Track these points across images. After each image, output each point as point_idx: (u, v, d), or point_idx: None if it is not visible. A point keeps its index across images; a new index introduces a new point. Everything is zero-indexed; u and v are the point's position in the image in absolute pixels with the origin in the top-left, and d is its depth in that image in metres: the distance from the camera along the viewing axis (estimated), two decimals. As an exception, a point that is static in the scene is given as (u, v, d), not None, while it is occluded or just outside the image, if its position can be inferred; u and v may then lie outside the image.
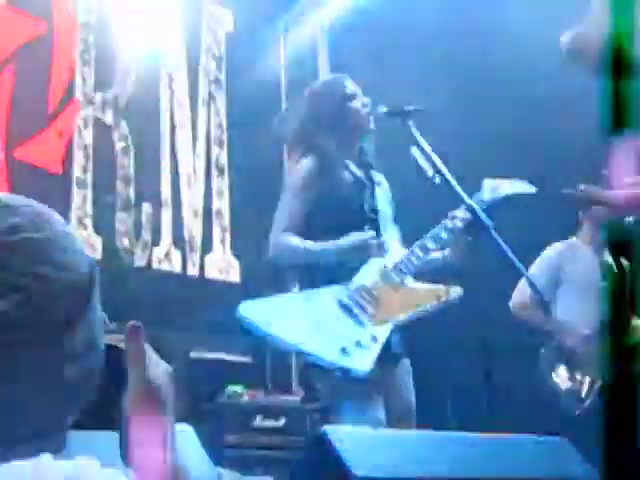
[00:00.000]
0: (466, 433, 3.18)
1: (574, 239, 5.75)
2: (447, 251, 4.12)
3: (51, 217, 1.23)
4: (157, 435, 1.21)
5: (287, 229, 4.03)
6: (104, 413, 1.26)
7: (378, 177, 4.27)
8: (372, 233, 3.94)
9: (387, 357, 3.88)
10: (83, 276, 1.18)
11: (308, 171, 4.07)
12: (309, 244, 3.96)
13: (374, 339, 3.76)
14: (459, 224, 3.99)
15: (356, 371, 3.68)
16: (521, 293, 5.41)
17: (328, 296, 3.83)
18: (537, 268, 5.47)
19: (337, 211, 4.04)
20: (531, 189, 4.40)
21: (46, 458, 1.05)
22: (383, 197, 4.24)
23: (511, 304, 5.39)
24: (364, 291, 3.85)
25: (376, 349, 3.75)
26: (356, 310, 3.81)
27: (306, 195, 4.03)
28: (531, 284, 3.90)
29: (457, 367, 5.93)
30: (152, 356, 1.29)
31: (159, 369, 1.27)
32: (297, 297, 3.93)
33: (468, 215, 3.95)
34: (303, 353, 3.74)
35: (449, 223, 4.04)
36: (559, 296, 5.49)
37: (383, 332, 3.81)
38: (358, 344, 3.71)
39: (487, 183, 4.22)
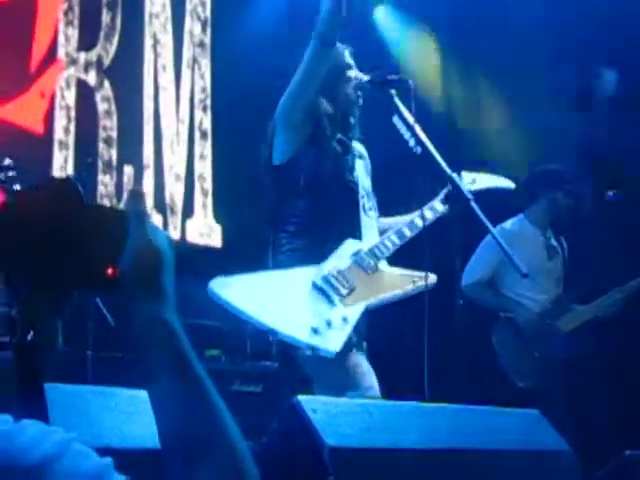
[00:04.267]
0: (440, 404, 3.19)
1: (521, 216, 5.79)
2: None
3: None
4: None
5: None
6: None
7: (359, 148, 4.24)
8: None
9: (359, 335, 3.89)
10: None
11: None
12: None
13: (345, 320, 3.76)
14: (435, 215, 4.03)
15: (326, 351, 3.67)
16: (473, 272, 5.46)
17: (302, 276, 3.82)
18: (487, 247, 5.46)
19: (316, 175, 4.01)
20: (510, 184, 4.44)
21: None
22: (363, 169, 4.22)
23: (462, 283, 5.35)
24: (338, 273, 3.84)
25: (347, 330, 3.74)
26: (329, 291, 3.80)
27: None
28: (510, 257, 3.89)
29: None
30: (152, 221, 1.30)
31: (159, 233, 1.28)
32: (270, 276, 3.91)
33: (448, 189, 3.95)
34: (274, 331, 3.72)
35: (427, 212, 4.05)
36: (506, 274, 5.52)
37: (354, 314, 3.81)
38: (329, 324, 3.71)
39: (465, 175, 4.22)
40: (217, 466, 1.20)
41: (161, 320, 1.24)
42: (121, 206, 1.31)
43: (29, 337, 1.25)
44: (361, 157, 4.23)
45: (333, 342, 3.69)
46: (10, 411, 1.08)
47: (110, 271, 1.26)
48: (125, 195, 6.63)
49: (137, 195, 1.31)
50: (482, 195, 4.11)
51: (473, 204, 3.78)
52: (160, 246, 1.28)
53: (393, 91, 3.99)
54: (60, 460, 1.03)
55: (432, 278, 3.94)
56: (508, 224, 5.57)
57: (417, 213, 4.08)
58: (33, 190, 1.25)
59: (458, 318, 5.12)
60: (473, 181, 4.25)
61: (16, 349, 1.25)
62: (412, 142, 3.92)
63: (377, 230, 4.13)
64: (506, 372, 5.36)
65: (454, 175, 3.89)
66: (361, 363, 3.90)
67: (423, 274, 3.92)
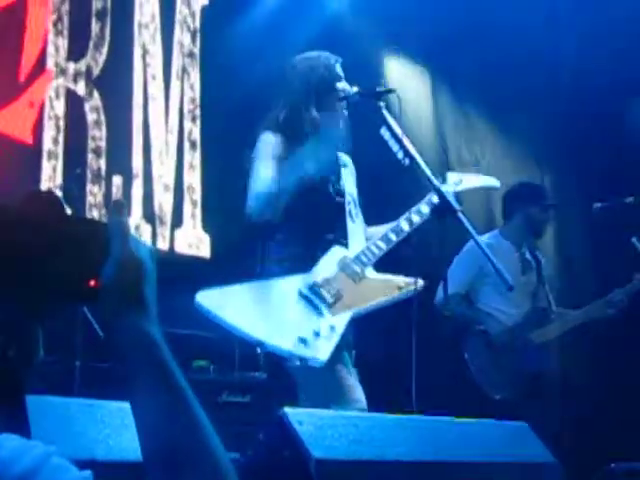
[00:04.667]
0: (428, 417, 3.20)
1: (497, 232, 5.84)
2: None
3: None
4: None
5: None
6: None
7: (344, 159, 4.25)
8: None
9: (344, 345, 3.89)
10: None
11: (278, 143, 4.04)
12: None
13: (332, 329, 3.76)
14: (421, 218, 4.03)
15: (314, 360, 3.67)
16: (443, 289, 5.52)
17: (288, 286, 3.82)
18: (463, 261, 5.49)
19: (306, 190, 4.02)
20: (496, 183, 4.45)
21: None
22: (350, 179, 4.23)
23: (435, 301, 5.38)
24: (324, 281, 3.84)
25: (334, 339, 3.75)
26: (315, 300, 3.80)
27: (275, 164, 4.00)
28: (497, 269, 3.90)
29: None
30: (134, 234, 1.30)
31: (141, 245, 1.29)
32: (256, 286, 3.90)
33: (435, 200, 3.95)
34: (262, 343, 3.72)
35: (413, 216, 4.05)
36: (480, 288, 5.56)
37: (341, 322, 3.81)
38: (316, 334, 3.71)
39: (450, 176, 4.24)
40: (199, 478, 1.20)
41: (143, 332, 1.25)
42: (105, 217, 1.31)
43: (9, 351, 1.25)
44: (345, 165, 4.24)
45: (321, 352, 3.69)
46: None
47: (92, 283, 1.26)
48: (114, 205, 6.63)
49: (119, 207, 1.32)
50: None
51: (460, 215, 3.80)
52: (142, 258, 1.29)
53: (381, 103, 4.01)
54: (39, 474, 1.03)
55: (420, 283, 3.94)
56: (485, 238, 5.59)
57: (404, 217, 4.07)
58: (15, 203, 1.26)
59: (446, 329, 5.14)
60: (460, 181, 4.25)
61: None
62: (400, 154, 3.93)
63: (364, 237, 4.13)
64: (479, 384, 5.39)
65: (442, 187, 3.91)
66: (348, 376, 3.90)
67: (410, 279, 3.92)
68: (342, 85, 4.12)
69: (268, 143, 4.04)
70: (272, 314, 3.75)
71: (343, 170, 4.20)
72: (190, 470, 1.20)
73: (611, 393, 6.23)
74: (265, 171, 3.97)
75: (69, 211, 6.24)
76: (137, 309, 1.26)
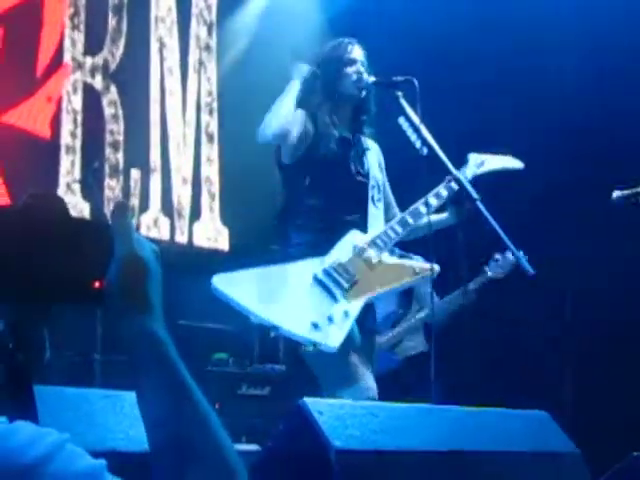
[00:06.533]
0: (447, 406, 3.19)
1: None
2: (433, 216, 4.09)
3: None
4: None
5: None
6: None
7: (369, 143, 4.23)
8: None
9: (363, 331, 3.88)
10: None
11: (301, 115, 4.06)
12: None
13: (346, 314, 3.74)
14: (439, 201, 4.00)
15: (326, 346, 3.66)
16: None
17: (303, 270, 3.81)
18: None
19: (322, 165, 4.01)
20: (519, 164, 4.34)
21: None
22: (374, 162, 4.20)
23: None
24: (339, 266, 3.82)
25: (347, 324, 3.73)
26: (330, 285, 3.78)
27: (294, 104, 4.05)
28: (518, 257, 3.89)
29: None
30: (138, 234, 1.31)
31: (146, 245, 1.30)
32: (272, 270, 3.89)
33: (455, 186, 3.93)
34: (275, 327, 3.71)
35: (431, 199, 4.01)
36: None
37: (355, 307, 3.79)
38: (330, 319, 3.69)
39: (472, 157, 4.18)
40: (207, 469, 1.21)
41: (148, 331, 1.26)
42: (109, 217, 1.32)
43: (18, 354, 1.26)
44: (368, 149, 4.21)
45: (334, 337, 3.68)
46: (4, 413, 1.09)
47: (97, 284, 1.27)
48: (132, 199, 6.64)
49: (122, 207, 1.33)
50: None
51: (479, 204, 3.78)
52: (146, 258, 1.29)
53: (399, 92, 3.99)
54: (53, 460, 1.03)
55: (436, 268, 3.92)
56: None
57: (421, 200, 4.04)
58: (18, 204, 1.26)
59: (465, 318, 5.13)
60: (482, 163, 4.19)
61: (5, 365, 1.26)
62: (418, 143, 3.92)
63: (383, 221, 4.12)
64: None
65: (462, 171, 3.89)
66: (360, 363, 3.89)
67: (426, 265, 3.90)
68: (354, 69, 4.10)
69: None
70: (287, 298, 3.74)
71: (368, 153, 4.18)
72: (197, 464, 1.21)
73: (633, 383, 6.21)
74: (287, 100, 4.02)
75: (87, 208, 6.26)
76: (142, 309, 1.26)
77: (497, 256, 5.28)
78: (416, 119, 3.94)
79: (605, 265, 6.21)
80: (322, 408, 2.62)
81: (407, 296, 5.69)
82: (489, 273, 5.33)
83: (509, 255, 5.09)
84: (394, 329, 5.59)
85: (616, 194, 5.65)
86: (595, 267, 6.15)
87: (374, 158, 4.22)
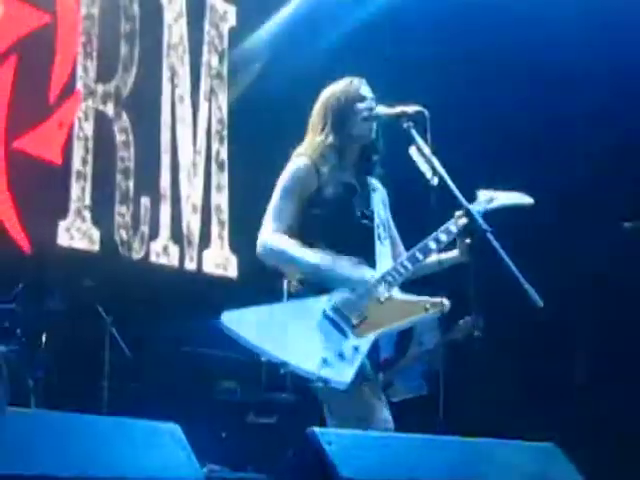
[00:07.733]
0: (456, 437, 3.17)
1: None
2: (443, 255, 4.09)
3: None
4: None
5: (277, 229, 4.00)
6: None
7: (374, 183, 4.23)
8: (361, 274, 3.90)
9: (372, 365, 3.88)
10: None
11: (299, 170, 4.03)
12: (296, 251, 3.91)
13: (356, 350, 3.74)
14: (449, 237, 3.99)
15: (336, 382, 3.65)
16: None
17: (313, 307, 3.80)
18: None
19: (326, 214, 4.01)
20: (529, 200, 4.32)
21: None
22: (379, 202, 4.20)
23: None
24: (348, 302, 3.82)
25: (358, 360, 3.73)
26: (340, 322, 3.78)
27: (295, 195, 3.99)
28: (525, 289, 3.87)
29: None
30: None
31: None
32: (281, 307, 3.89)
33: (465, 220, 3.92)
34: (285, 364, 3.71)
35: (441, 236, 4.00)
36: None
37: (366, 343, 3.79)
38: (340, 355, 3.69)
39: (482, 194, 4.17)
40: None
41: None
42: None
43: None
44: (374, 190, 4.22)
45: (344, 374, 3.67)
46: None
47: None
48: (141, 226, 6.66)
49: None
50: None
51: (489, 235, 3.77)
52: None
53: (410, 123, 3.99)
54: None
55: (446, 304, 3.91)
56: None
57: (432, 236, 4.03)
58: None
59: (475, 347, 5.12)
60: (491, 199, 4.17)
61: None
62: (429, 174, 3.91)
63: (391, 259, 4.11)
64: None
65: (471, 206, 3.88)
66: (374, 395, 3.88)
67: (436, 300, 3.89)
68: (364, 105, 4.10)
69: (296, 171, 4.04)
70: (296, 335, 3.74)
71: (373, 194, 4.18)
72: None
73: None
74: (282, 213, 4.00)
75: (98, 234, 6.27)
76: None
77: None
78: (427, 149, 3.94)
79: (615, 298, 6.22)
80: (331, 438, 2.62)
81: (407, 339, 5.72)
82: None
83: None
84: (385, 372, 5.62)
85: (627, 224, 5.65)
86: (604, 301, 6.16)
87: (378, 197, 4.22)
